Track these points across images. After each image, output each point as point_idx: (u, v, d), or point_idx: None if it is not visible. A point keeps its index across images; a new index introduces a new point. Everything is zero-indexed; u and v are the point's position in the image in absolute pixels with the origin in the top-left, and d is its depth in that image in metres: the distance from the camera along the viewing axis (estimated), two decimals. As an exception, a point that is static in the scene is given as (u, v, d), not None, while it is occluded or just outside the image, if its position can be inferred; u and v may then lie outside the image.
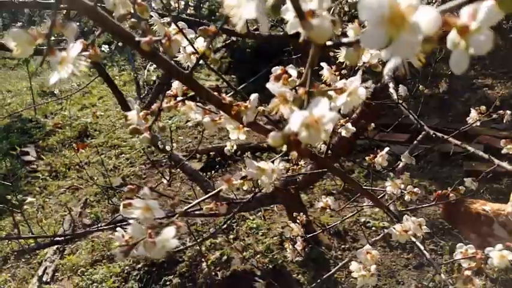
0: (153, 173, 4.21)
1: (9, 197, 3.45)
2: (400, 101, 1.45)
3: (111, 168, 4.31)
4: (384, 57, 0.28)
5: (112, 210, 3.64)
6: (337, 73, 0.67)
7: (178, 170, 4.20)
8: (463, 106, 3.91)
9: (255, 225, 3.00)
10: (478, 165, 2.99)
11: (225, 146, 3.96)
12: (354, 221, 2.86)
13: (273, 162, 0.55)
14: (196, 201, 0.57)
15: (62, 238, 1.60)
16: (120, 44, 5.04)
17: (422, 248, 0.83)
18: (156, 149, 2.38)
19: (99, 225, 1.68)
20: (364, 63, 0.64)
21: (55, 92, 5.62)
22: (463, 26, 0.24)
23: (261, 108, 0.48)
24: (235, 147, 1.52)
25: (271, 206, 3.16)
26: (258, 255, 2.74)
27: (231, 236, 2.96)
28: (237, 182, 0.58)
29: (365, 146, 3.52)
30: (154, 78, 3.74)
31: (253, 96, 0.47)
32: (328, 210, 0.93)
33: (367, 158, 0.91)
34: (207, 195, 0.58)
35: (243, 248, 2.80)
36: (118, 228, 0.50)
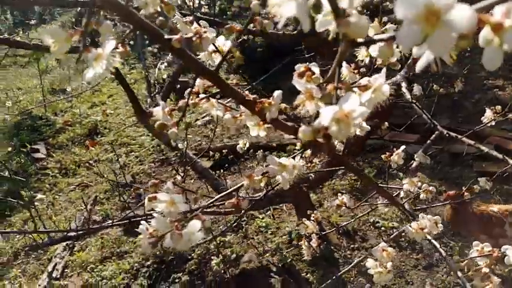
0: (162, 171, 4.23)
1: (23, 193, 3.49)
2: (414, 101, 1.45)
3: (121, 166, 4.33)
4: (416, 53, 0.28)
5: (122, 207, 3.67)
6: (356, 71, 0.67)
7: (188, 168, 4.23)
8: (473, 107, 3.89)
9: (264, 224, 3.01)
10: (488, 166, 2.97)
11: (234, 144, 3.98)
12: (363, 221, 2.86)
13: (293, 158, 0.55)
14: (218, 196, 0.58)
15: (76, 233, 1.62)
16: (131, 42, 5.06)
17: (438, 245, 0.83)
18: (169, 148, 2.39)
19: (110, 221, 1.70)
20: (383, 60, 0.64)
21: (67, 89, 5.65)
22: (497, 24, 0.25)
23: (283, 105, 0.49)
24: (247, 145, 1.53)
25: (281, 205, 3.17)
26: (267, 254, 2.75)
27: (240, 235, 2.97)
28: (258, 178, 0.59)
29: (374, 146, 3.52)
30: (165, 76, 3.75)
31: (277, 93, 0.47)
32: (343, 207, 0.93)
33: (383, 156, 0.92)
34: (228, 190, 0.59)
35: (252, 246, 2.81)
36: (142, 222, 0.51)
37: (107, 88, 6.22)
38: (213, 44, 0.56)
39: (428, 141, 1.61)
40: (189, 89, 0.58)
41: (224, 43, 0.55)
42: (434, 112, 2.56)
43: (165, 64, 3.72)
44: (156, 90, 3.41)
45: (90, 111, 5.58)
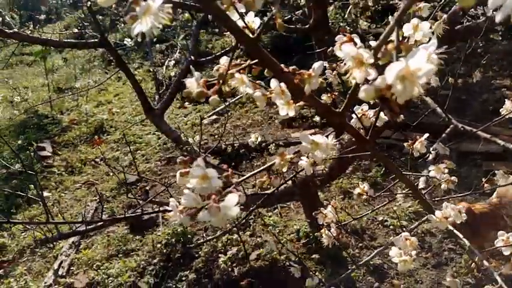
0: (169, 169, 4.22)
1: (31, 189, 3.48)
2: (426, 96, 1.44)
3: (127, 165, 4.32)
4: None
5: (128, 205, 3.66)
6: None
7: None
8: (481, 106, 3.87)
9: (271, 222, 2.99)
10: (498, 165, 2.95)
11: (241, 143, 3.95)
12: (372, 220, 2.84)
13: (327, 137, 0.54)
14: (250, 174, 0.56)
15: (88, 226, 1.60)
16: (139, 39, 5.06)
17: (461, 236, 0.81)
18: (177, 144, 2.38)
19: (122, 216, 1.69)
20: (415, 41, 0.63)
21: (76, 85, 5.65)
22: None
23: (321, 79, 0.47)
24: (259, 139, 1.51)
25: (288, 203, 3.15)
26: (275, 252, 2.73)
27: (248, 233, 2.95)
28: (290, 156, 0.57)
29: (381, 145, 3.50)
30: (172, 74, 3.75)
31: (318, 64, 0.46)
32: (364, 196, 0.92)
33: (405, 144, 0.90)
34: (259, 169, 0.57)
35: (260, 244, 2.79)
36: (171, 198, 0.50)
37: (113, 87, 6.22)
38: (243, 20, 0.55)
39: (444, 135, 1.59)
40: (221, 64, 0.57)
41: (254, 19, 0.53)
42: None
43: (173, 62, 3.71)
44: (164, 87, 3.41)
45: (96, 110, 5.58)
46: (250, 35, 0.40)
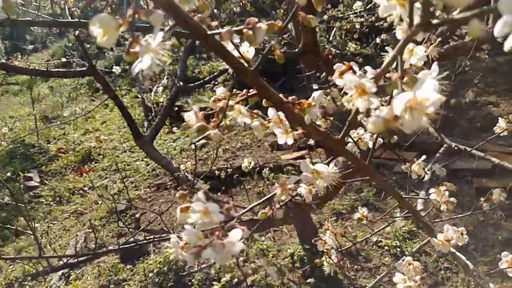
0: (158, 195, 4.17)
1: (19, 220, 3.41)
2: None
3: (116, 192, 4.27)
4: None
5: (118, 234, 3.59)
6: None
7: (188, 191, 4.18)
8: (468, 124, 3.91)
9: (265, 247, 2.95)
10: (488, 182, 2.97)
11: (228, 167, 3.93)
12: (365, 241, 2.82)
13: (328, 164, 0.53)
14: (251, 206, 0.55)
15: (83, 258, 1.56)
16: (126, 66, 5.07)
17: (464, 258, 0.80)
18: (168, 170, 2.36)
19: (110, 247, 1.65)
20: (410, 65, 0.63)
21: (64, 114, 5.61)
22: None
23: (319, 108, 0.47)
24: (252, 163, 1.50)
25: (281, 226, 3.12)
26: (269, 278, 2.68)
27: (241, 258, 2.91)
28: (292, 186, 0.56)
29: (372, 166, 3.50)
30: (161, 100, 3.74)
31: (317, 94, 0.45)
32: (364, 221, 0.91)
33: (403, 167, 0.90)
34: (260, 200, 0.56)
35: (254, 270, 2.75)
36: (172, 235, 0.49)
37: (100, 114, 6.18)
38: (238, 51, 0.54)
39: (438, 155, 1.59)
40: (218, 94, 0.56)
41: (248, 49, 0.53)
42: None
43: (161, 88, 3.71)
44: (153, 113, 3.40)
45: (84, 137, 5.54)
46: (246, 66, 0.40)
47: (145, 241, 1.45)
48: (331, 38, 4.85)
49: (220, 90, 0.59)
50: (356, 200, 3.23)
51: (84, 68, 2.26)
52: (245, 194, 3.87)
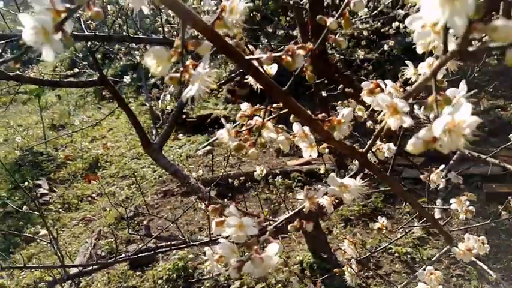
0: (165, 202, 4.19)
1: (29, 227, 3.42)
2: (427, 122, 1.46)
3: (124, 199, 4.29)
4: None
5: (126, 240, 3.61)
6: (401, 89, 0.67)
7: (192, 199, 4.20)
8: (476, 128, 3.90)
9: (274, 253, 2.95)
10: (498, 187, 2.96)
11: (237, 173, 3.95)
12: (375, 247, 2.82)
13: (354, 177, 0.54)
14: (282, 219, 0.56)
15: (97, 266, 1.58)
16: (134, 75, 5.11)
17: (486, 267, 0.81)
18: (177, 178, 2.37)
19: (121, 255, 1.66)
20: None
21: (75, 123, 5.65)
22: None
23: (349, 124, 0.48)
24: (264, 171, 1.52)
25: (289, 233, 3.13)
26: (279, 285, 2.69)
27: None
28: (319, 200, 0.57)
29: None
30: (169, 108, 3.78)
31: (347, 111, 0.47)
32: (384, 230, 0.92)
33: (421, 176, 0.91)
34: (290, 214, 0.57)
35: (263, 277, 2.75)
36: (207, 248, 0.50)
37: (107, 122, 6.22)
38: (261, 67, 0.56)
39: (451, 162, 1.60)
40: (243, 110, 0.58)
41: (271, 66, 0.55)
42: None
43: (169, 96, 3.74)
44: (161, 121, 3.43)
45: (91, 145, 5.57)
46: (279, 86, 0.42)
47: (163, 249, 1.47)
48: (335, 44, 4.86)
49: (245, 106, 0.61)
50: (364, 206, 3.24)
51: (95, 78, 2.30)
52: (251, 201, 3.89)
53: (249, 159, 0.46)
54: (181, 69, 0.33)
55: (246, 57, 0.39)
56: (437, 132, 0.30)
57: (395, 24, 3.11)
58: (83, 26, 1.48)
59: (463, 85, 0.42)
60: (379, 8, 2.76)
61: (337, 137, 0.47)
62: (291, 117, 0.52)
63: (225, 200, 3.94)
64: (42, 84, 2.17)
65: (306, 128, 0.57)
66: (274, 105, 0.64)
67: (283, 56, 0.37)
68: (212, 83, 0.34)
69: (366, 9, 2.97)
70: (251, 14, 4.43)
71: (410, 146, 0.31)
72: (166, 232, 3.33)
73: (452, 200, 0.83)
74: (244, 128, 0.51)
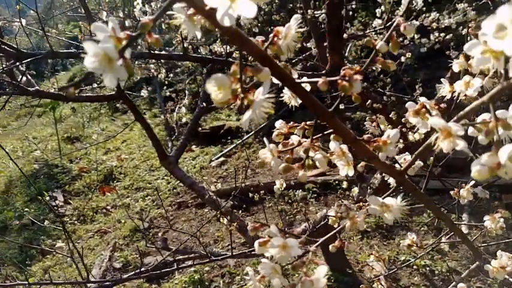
0: (179, 214, 4.20)
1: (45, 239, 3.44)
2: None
3: (138, 211, 4.31)
4: None
5: (141, 253, 3.61)
6: (436, 107, 0.67)
7: (206, 210, 4.20)
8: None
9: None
10: (517, 198, 2.93)
11: (251, 185, 3.94)
12: (393, 260, 2.79)
13: (395, 197, 0.54)
14: (322, 239, 0.56)
15: (115, 280, 1.58)
16: (149, 88, 5.15)
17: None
18: (194, 190, 2.38)
19: (139, 268, 1.66)
20: (465, 96, 0.64)
21: (93, 136, 5.71)
22: None
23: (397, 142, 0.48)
24: (284, 185, 1.52)
25: (305, 245, 3.11)
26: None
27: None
28: (360, 219, 0.57)
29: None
30: (184, 120, 3.81)
31: (393, 132, 0.47)
32: (414, 247, 0.91)
33: (451, 192, 0.90)
34: (331, 233, 0.57)
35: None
36: (248, 268, 0.50)
37: (120, 134, 6.27)
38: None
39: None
40: (279, 127, 0.58)
41: (306, 84, 0.55)
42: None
43: (184, 109, 3.77)
44: (176, 134, 3.46)
45: (105, 157, 5.61)
46: (326, 108, 0.42)
47: (186, 265, 1.46)
48: (346, 54, 4.87)
49: (280, 124, 0.61)
50: (381, 217, 3.20)
51: (113, 92, 2.32)
52: (265, 212, 3.87)
53: (301, 181, 0.46)
54: (242, 95, 0.33)
55: (298, 80, 0.39)
56: (503, 159, 0.30)
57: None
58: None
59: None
60: (394, 19, 2.76)
61: (382, 157, 0.47)
62: (331, 136, 0.52)
63: (240, 211, 3.94)
64: (61, 99, 2.20)
65: (344, 147, 0.57)
66: (308, 122, 0.64)
67: (339, 81, 0.37)
68: (270, 108, 0.34)
69: (379, 21, 2.98)
70: (260, 25, 4.46)
71: (476, 172, 0.31)
72: (181, 245, 3.33)
73: (486, 217, 0.82)
74: (286, 147, 0.51)
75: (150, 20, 0.32)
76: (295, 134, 0.62)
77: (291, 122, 0.63)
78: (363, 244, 2.99)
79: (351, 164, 0.60)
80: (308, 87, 0.52)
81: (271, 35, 0.39)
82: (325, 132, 0.50)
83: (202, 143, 5.51)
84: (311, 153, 0.59)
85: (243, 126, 0.35)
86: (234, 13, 0.30)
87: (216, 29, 0.33)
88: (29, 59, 1.28)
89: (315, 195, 3.83)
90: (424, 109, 0.47)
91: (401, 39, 3.37)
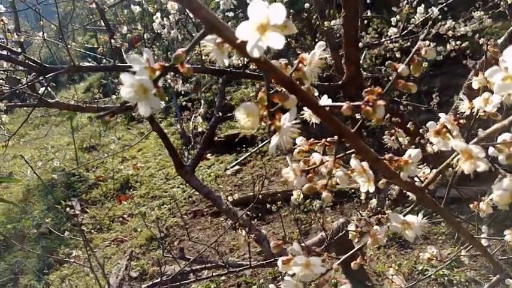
0: (195, 222, 4.22)
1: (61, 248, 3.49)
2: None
3: (154, 219, 4.34)
4: None
5: (157, 262, 3.64)
6: (455, 122, 0.67)
7: (222, 219, 4.21)
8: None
9: (306, 275, 2.92)
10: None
11: (267, 193, 3.94)
12: (411, 269, 2.76)
13: (417, 214, 0.55)
14: (344, 256, 0.57)
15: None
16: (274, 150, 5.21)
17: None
18: (209, 198, 2.40)
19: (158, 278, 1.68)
20: (485, 111, 0.65)
21: (111, 146, 5.79)
22: None
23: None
24: (301, 195, 1.53)
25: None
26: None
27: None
28: (381, 236, 0.58)
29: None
30: (200, 129, 3.85)
31: (415, 152, 0.48)
32: (434, 260, 0.91)
33: (471, 205, 0.90)
34: (352, 251, 0.58)
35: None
36: (271, 285, 0.51)
37: (136, 142, 6.34)
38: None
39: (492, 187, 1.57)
40: (299, 144, 0.59)
41: (327, 102, 0.56)
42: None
43: (200, 119, 3.81)
44: (192, 144, 3.49)
45: (121, 165, 5.67)
46: (348, 129, 0.43)
47: (206, 277, 1.48)
48: (361, 61, 4.88)
49: (300, 140, 0.62)
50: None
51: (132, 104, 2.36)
52: (282, 221, 3.87)
53: (325, 201, 0.47)
54: (269, 122, 0.34)
55: (322, 104, 0.40)
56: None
57: (425, 43, 3.09)
58: (124, 57, 1.53)
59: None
60: (409, 28, 2.76)
61: (404, 176, 0.48)
62: (353, 155, 0.53)
63: (256, 220, 3.95)
64: (80, 111, 2.24)
65: (365, 164, 0.58)
66: (329, 139, 0.65)
67: (363, 106, 0.38)
68: (296, 133, 0.35)
69: (395, 29, 2.98)
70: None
71: (498, 197, 0.32)
72: (197, 253, 3.34)
73: (506, 232, 0.82)
74: (308, 165, 0.52)
75: (182, 52, 0.34)
76: (316, 151, 0.64)
77: (311, 139, 0.65)
78: (380, 254, 2.97)
79: (371, 181, 0.60)
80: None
81: (295, 61, 0.41)
82: (347, 152, 0.51)
83: (218, 151, 5.54)
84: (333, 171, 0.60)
85: (270, 151, 0.36)
86: (264, 45, 0.32)
87: (246, 58, 0.35)
88: (52, 74, 1.32)
89: (331, 203, 3.82)
90: (444, 129, 0.48)
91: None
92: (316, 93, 0.55)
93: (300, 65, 0.40)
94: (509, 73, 0.32)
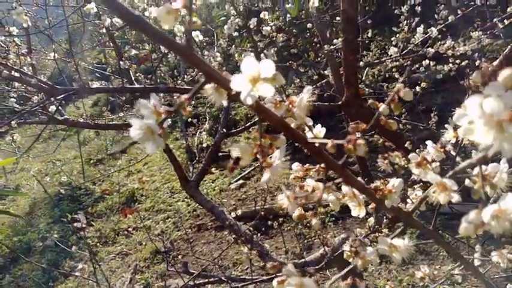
0: (199, 236, 4.25)
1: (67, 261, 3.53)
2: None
3: (159, 233, 4.37)
4: None
5: (162, 275, 3.67)
6: (442, 150, 0.72)
7: (225, 233, 4.24)
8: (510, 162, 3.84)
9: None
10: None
11: (271, 208, 3.96)
12: (412, 285, 2.78)
13: (403, 238, 0.59)
14: (336, 277, 0.61)
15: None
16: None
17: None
18: (213, 213, 2.44)
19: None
20: (468, 140, 0.69)
21: (119, 161, 5.85)
22: None
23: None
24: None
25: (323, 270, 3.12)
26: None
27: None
28: (370, 259, 0.62)
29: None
30: (205, 144, 3.90)
31: (398, 182, 0.52)
32: (426, 279, 0.95)
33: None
34: (342, 273, 0.62)
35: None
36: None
37: (142, 156, 6.40)
38: (312, 132, 0.62)
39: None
40: (295, 170, 0.64)
41: (320, 130, 0.61)
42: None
43: (205, 134, 3.87)
44: (197, 158, 3.54)
45: (127, 179, 5.73)
46: (336, 162, 0.47)
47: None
48: (363, 78, 4.94)
49: (296, 166, 0.67)
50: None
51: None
52: (283, 235, 3.89)
53: (315, 229, 0.51)
54: (261, 159, 0.39)
55: (310, 140, 0.45)
56: (487, 219, 0.35)
57: (425, 62, 3.15)
58: (133, 78, 1.59)
59: (504, 163, 0.47)
60: (409, 48, 2.81)
61: (388, 204, 0.52)
62: (343, 183, 0.58)
63: (258, 234, 3.97)
64: (88, 128, 2.30)
65: (355, 189, 0.62)
66: (323, 165, 0.70)
67: (345, 144, 0.42)
68: (286, 168, 0.40)
69: (395, 49, 3.03)
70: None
71: (463, 229, 0.36)
72: (201, 267, 3.37)
73: (493, 253, 0.86)
74: (301, 193, 0.56)
75: (185, 99, 0.39)
76: (311, 177, 0.68)
77: (307, 164, 0.69)
78: (382, 269, 2.99)
79: (362, 205, 0.65)
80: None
81: (286, 103, 0.45)
82: (336, 181, 0.55)
83: (222, 165, 5.58)
84: (325, 196, 0.65)
85: (262, 184, 0.41)
86: (255, 94, 0.37)
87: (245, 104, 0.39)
88: (62, 95, 1.37)
89: (333, 218, 3.84)
90: (425, 161, 0.52)
91: (417, 66, 3.42)
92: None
93: (291, 106, 0.45)
94: (469, 127, 0.36)
